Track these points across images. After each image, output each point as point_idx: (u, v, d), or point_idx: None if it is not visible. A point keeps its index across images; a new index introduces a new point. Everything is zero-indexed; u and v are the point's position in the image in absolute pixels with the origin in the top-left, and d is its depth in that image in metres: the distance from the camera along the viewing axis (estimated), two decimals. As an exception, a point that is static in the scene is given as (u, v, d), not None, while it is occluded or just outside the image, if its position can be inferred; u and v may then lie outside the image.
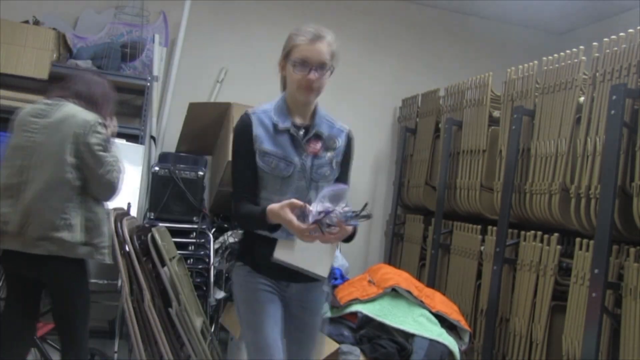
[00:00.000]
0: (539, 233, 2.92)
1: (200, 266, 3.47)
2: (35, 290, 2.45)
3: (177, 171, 3.54)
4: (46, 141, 2.25)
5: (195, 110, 3.84)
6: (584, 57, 2.85)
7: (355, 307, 2.72)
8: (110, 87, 2.58)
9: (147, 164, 3.84)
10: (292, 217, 1.61)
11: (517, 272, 3.04)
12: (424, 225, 4.11)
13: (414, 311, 2.77)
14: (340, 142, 2.00)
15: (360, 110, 4.72)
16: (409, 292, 2.80)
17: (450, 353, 2.67)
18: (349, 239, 1.76)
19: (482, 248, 3.33)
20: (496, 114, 3.54)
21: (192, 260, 3.48)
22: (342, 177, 1.97)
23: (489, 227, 3.29)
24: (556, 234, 2.82)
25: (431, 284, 3.66)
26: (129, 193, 3.39)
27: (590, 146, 2.66)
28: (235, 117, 3.79)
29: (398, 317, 2.70)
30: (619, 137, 2.42)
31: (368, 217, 1.64)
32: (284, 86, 2.03)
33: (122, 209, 3.13)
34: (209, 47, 4.39)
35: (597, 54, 2.71)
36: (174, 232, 3.34)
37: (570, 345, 2.61)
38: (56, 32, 3.67)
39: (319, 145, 1.92)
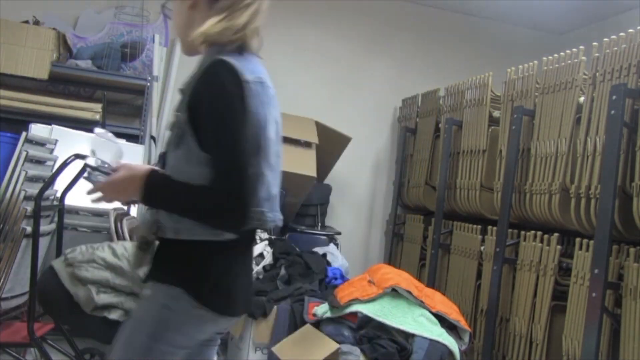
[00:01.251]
0: (539, 233, 2.91)
1: (200, 266, 3.47)
2: None
3: (177, 171, 3.54)
4: None
5: (195, 110, 3.84)
6: (584, 57, 2.85)
7: (355, 307, 2.72)
8: None
9: (147, 164, 3.84)
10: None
11: (517, 272, 3.04)
12: (424, 225, 4.11)
13: (414, 311, 2.77)
14: (193, 83, 1.30)
15: (361, 110, 4.72)
16: (409, 292, 2.80)
17: (450, 353, 2.66)
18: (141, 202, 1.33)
19: (482, 248, 3.33)
20: (496, 114, 3.54)
21: (192, 260, 3.47)
22: (191, 138, 1.28)
23: (489, 227, 3.29)
24: (556, 234, 2.82)
25: (431, 284, 3.66)
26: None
27: (590, 146, 2.66)
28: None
29: (398, 317, 2.70)
30: (619, 137, 2.42)
31: (98, 174, 1.33)
32: None
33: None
34: (209, 47, 4.39)
35: (597, 54, 2.71)
36: (174, 232, 3.33)
37: (570, 345, 2.61)
38: (56, 32, 3.67)
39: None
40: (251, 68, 1.32)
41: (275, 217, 1.38)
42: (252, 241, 1.45)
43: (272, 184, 1.36)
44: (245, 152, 1.26)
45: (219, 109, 1.25)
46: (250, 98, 1.27)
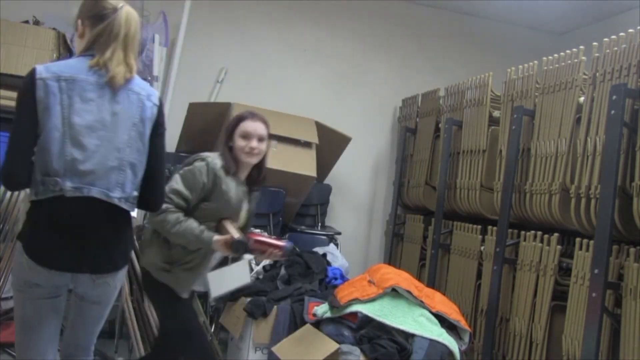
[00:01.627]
0: (539, 233, 2.91)
1: (200, 266, 3.47)
2: None
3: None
4: None
5: (195, 110, 3.84)
6: (584, 57, 2.85)
7: (355, 307, 2.72)
8: None
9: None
10: None
11: (517, 272, 3.04)
12: (424, 225, 4.11)
13: (414, 311, 2.77)
14: None
15: (361, 110, 4.72)
16: (409, 292, 2.80)
17: (450, 353, 2.66)
18: None
19: (482, 248, 3.33)
20: (496, 114, 3.54)
21: (192, 260, 3.47)
22: None
23: (489, 227, 3.29)
24: (556, 234, 2.82)
25: (431, 284, 3.66)
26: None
27: (590, 146, 2.66)
28: (235, 117, 3.79)
29: (398, 317, 2.70)
30: (619, 137, 2.42)
31: None
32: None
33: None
34: (209, 47, 4.40)
35: (597, 54, 2.71)
36: (174, 232, 3.33)
37: (570, 345, 2.61)
38: (56, 32, 3.67)
39: None
40: (57, 69, 1.68)
41: (84, 188, 1.68)
42: (64, 206, 1.68)
43: (80, 161, 1.67)
44: (17, 132, 1.66)
45: (16, 100, 1.69)
46: (39, 90, 1.63)
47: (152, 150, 1.84)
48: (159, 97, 1.89)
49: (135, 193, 1.81)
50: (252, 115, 2.31)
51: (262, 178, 2.39)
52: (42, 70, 1.67)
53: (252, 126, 2.27)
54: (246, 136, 2.25)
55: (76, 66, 1.72)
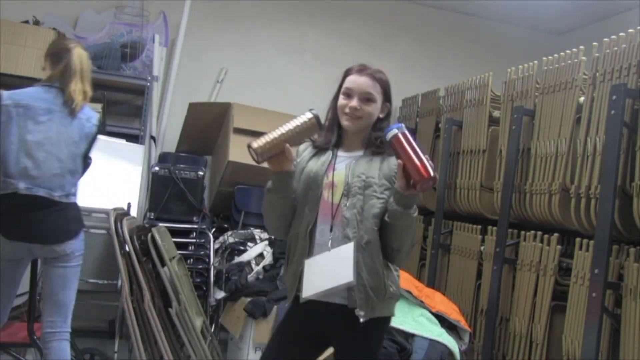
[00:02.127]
0: (539, 233, 2.91)
1: (200, 266, 3.47)
2: None
3: (177, 171, 3.54)
4: None
5: (195, 110, 3.84)
6: (584, 57, 2.85)
7: (355, 307, 2.71)
8: None
9: (147, 164, 3.84)
10: None
11: (517, 272, 3.04)
12: (424, 225, 4.11)
13: (414, 311, 2.77)
14: None
15: (360, 110, 4.72)
16: (409, 292, 2.80)
17: (450, 353, 2.67)
18: None
19: (482, 248, 3.33)
20: (496, 114, 3.54)
21: (192, 260, 3.48)
22: None
23: (489, 227, 3.29)
24: (556, 234, 2.82)
25: (431, 284, 3.66)
26: (129, 193, 3.39)
27: (590, 146, 2.66)
28: (235, 117, 3.79)
29: (398, 317, 2.69)
30: (619, 137, 2.42)
31: None
32: None
33: (122, 209, 3.13)
34: (209, 47, 4.40)
35: (597, 54, 2.71)
36: (174, 232, 3.34)
37: (570, 345, 2.61)
38: (56, 32, 3.67)
39: None
40: (18, 98, 2.23)
41: (33, 189, 2.23)
42: (20, 198, 2.22)
43: (31, 168, 2.22)
44: None
45: None
46: (2, 115, 2.20)
47: (85, 157, 2.41)
48: (98, 118, 2.45)
49: (74, 189, 2.37)
50: (361, 68, 1.81)
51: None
52: (7, 97, 2.22)
53: (355, 81, 1.78)
54: (348, 93, 1.79)
55: (33, 95, 2.28)
